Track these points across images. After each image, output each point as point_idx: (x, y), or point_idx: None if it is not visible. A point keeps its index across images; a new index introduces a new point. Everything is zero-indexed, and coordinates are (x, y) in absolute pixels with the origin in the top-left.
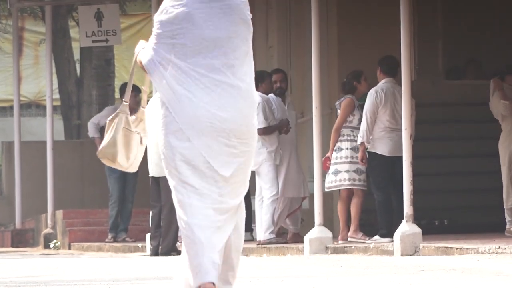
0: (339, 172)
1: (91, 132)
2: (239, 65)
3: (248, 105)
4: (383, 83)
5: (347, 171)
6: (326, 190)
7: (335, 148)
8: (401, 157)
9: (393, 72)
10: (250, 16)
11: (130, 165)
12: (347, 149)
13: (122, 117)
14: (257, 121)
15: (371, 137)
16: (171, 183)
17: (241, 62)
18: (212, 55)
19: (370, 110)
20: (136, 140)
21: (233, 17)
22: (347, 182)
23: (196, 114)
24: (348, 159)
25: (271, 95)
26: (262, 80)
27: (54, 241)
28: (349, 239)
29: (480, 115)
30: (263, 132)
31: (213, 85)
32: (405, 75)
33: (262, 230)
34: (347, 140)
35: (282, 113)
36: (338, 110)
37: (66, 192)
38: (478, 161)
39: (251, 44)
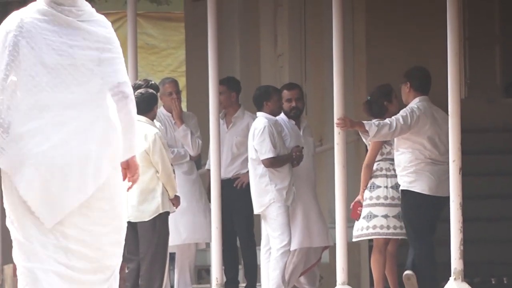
0: (374, 216)
1: None
2: None
3: None
4: (417, 102)
5: (384, 216)
6: (353, 239)
7: (368, 185)
8: (446, 197)
9: (427, 88)
10: None
11: None
12: (385, 187)
13: None
14: (264, 150)
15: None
16: None
17: None
18: None
19: (402, 126)
20: None
21: None
22: (383, 230)
23: None
24: (388, 201)
25: (281, 116)
26: (268, 97)
27: None
28: None
29: None
30: (270, 163)
31: None
32: (453, 92)
33: None
34: (385, 176)
35: (296, 140)
36: (364, 140)
37: None
38: None
39: None
